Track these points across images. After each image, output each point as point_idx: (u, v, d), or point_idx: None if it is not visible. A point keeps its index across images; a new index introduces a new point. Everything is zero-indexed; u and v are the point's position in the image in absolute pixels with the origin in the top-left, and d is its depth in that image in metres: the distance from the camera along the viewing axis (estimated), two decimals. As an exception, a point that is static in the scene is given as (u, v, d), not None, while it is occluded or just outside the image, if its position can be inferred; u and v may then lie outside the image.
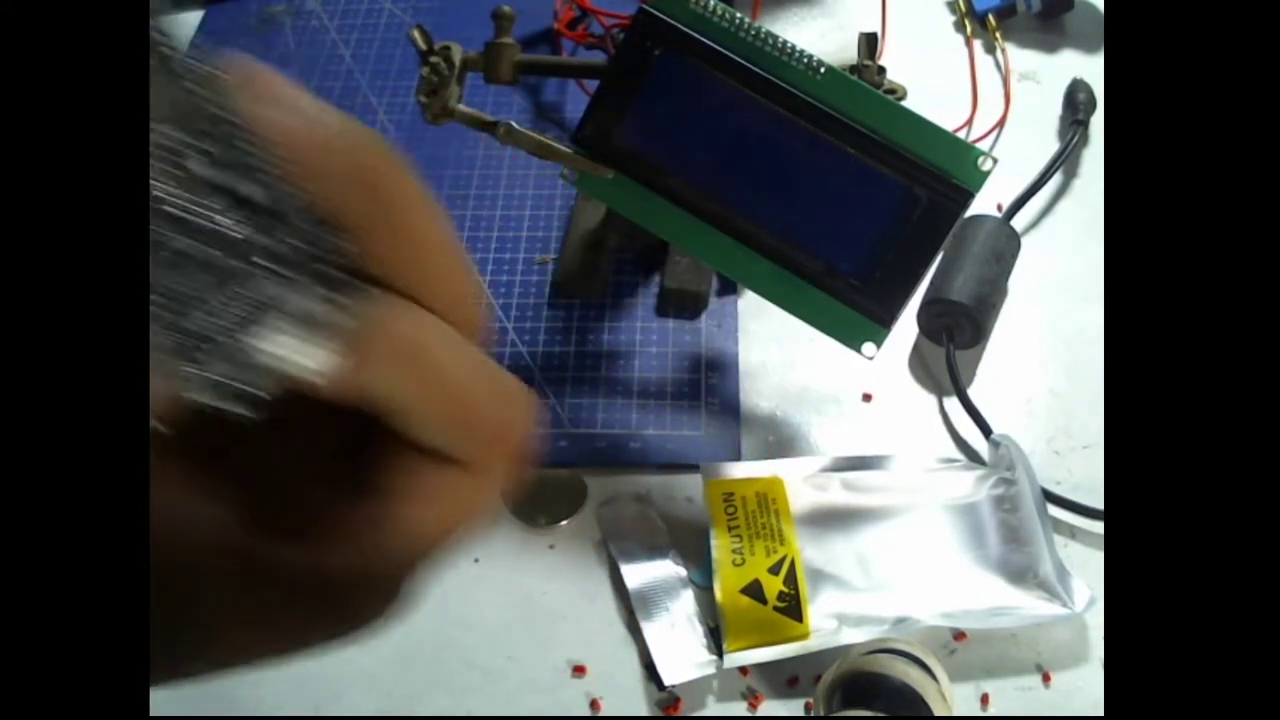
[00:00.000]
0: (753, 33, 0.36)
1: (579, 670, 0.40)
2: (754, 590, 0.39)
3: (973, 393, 0.46)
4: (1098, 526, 0.43)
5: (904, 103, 0.38)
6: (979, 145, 0.42)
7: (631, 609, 0.41)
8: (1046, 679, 0.39)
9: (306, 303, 0.15)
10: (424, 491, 0.18)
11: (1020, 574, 0.40)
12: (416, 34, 0.42)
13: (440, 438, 0.17)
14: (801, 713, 0.39)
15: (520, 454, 0.19)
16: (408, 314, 0.17)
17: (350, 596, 0.18)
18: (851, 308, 0.38)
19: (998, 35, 0.61)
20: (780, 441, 0.46)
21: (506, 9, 0.43)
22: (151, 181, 0.15)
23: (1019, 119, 0.57)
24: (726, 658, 0.38)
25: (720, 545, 0.40)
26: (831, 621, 0.39)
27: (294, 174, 0.15)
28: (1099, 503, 0.43)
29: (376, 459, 0.18)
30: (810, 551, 0.40)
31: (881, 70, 0.42)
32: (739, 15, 0.37)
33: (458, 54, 0.42)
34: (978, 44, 0.61)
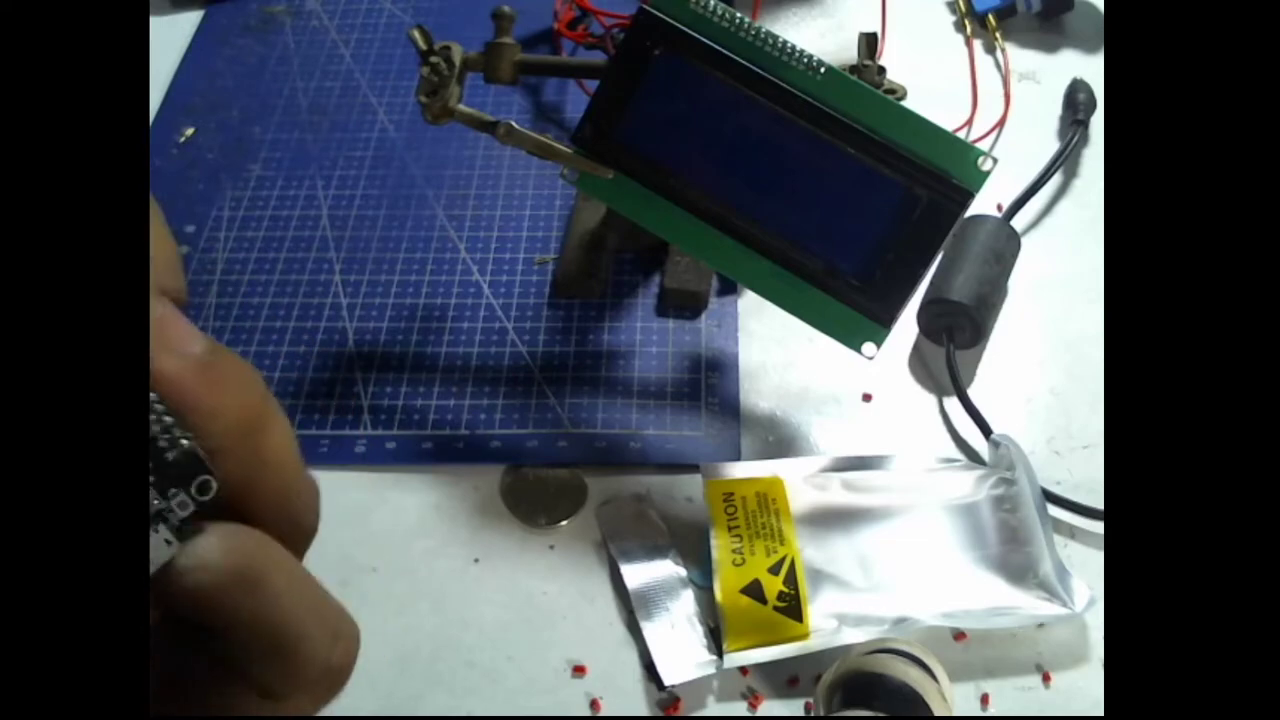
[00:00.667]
0: (753, 33, 0.36)
1: (579, 670, 0.40)
2: (754, 590, 0.39)
3: (973, 393, 0.46)
4: (1098, 526, 0.43)
5: (904, 103, 0.38)
6: (979, 145, 0.42)
7: (631, 609, 0.41)
8: (1046, 679, 0.39)
9: (180, 514, 0.18)
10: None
11: (1020, 574, 0.40)
12: (416, 34, 0.42)
13: (260, 670, 0.19)
14: (801, 713, 0.39)
15: (331, 695, 0.21)
16: (255, 541, 0.19)
17: None
18: (851, 308, 0.38)
19: (998, 35, 0.61)
20: (780, 441, 0.46)
21: (506, 9, 0.43)
22: None
23: (1019, 119, 0.57)
24: (726, 658, 0.38)
25: (720, 545, 0.40)
26: (831, 621, 0.39)
27: (178, 409, 0.18)
28: (1099, 503, 0.43)
29: (193, 678, 0.19)
30: (810, 551, 0.40)
31: (881, 70, 0.42)
32: (739, 15, 0.37)
33: (458, 54, 0.42)
34: (978, 44, 0.61)
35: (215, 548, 0.18)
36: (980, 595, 0.40)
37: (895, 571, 0.40)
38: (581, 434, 0.46)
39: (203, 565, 0.18)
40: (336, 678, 0.21)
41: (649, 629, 0.40)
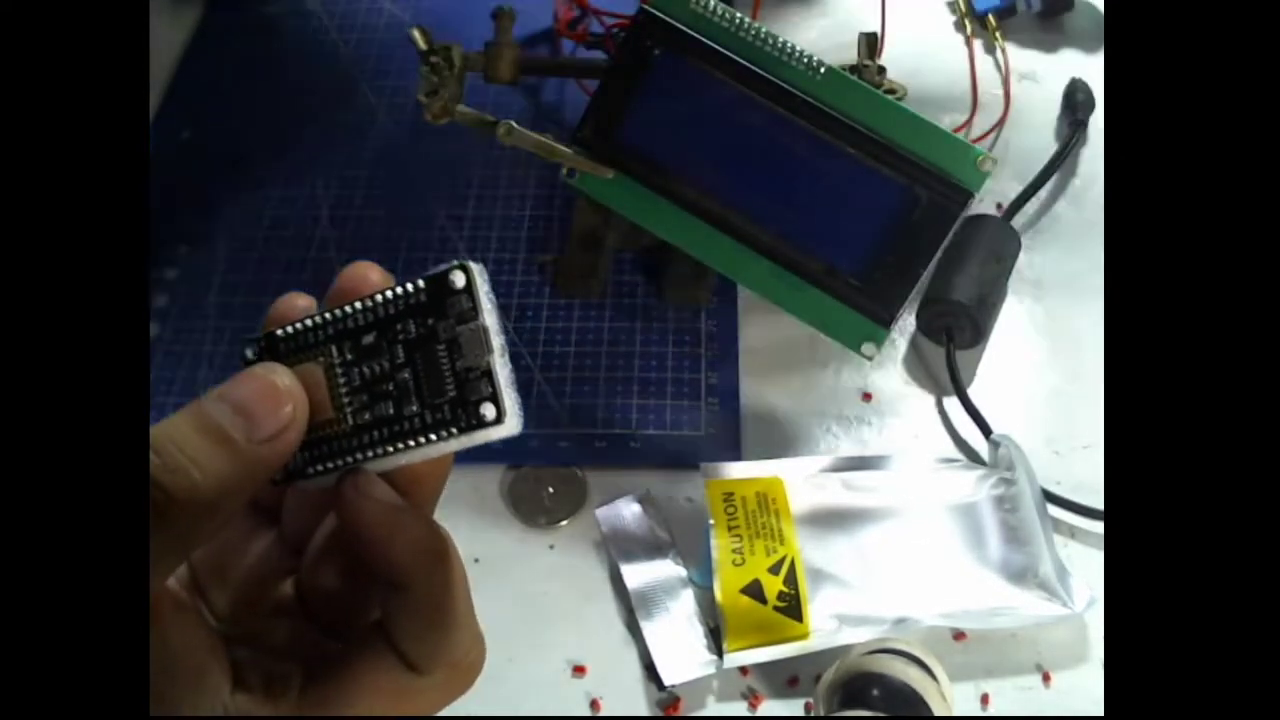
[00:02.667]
0: (753, 33, 0.36)
1: (579, 670, 0.40)
2: (754, 590, 0.39)
3: (973, 393, 0.46)
4: (1098, 526, 0.43)
5: (904, 103, 0.38)
6: (979, 145, 0.41)
7: (631, 609, 0.41)
8: (1046, 679, 0.39)
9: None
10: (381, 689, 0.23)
11: (1020, 574, 0.40)
12: (416, 34, 0.42)
13: (416, 640, 0.23)
14: (801, 713, 0.39)
15: (459, 690, 0.26)
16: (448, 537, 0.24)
17: None
18: (851, 307, 0.38)
19: (998, 35, 0.61)
20: (780, 441, 0.46)
21: (506, 9, 0.44)
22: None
23: (1019, 119, 0.57)
24: (726, 658, 0.38)
25: (720, 545, 0.40)
26: (831, 621, 0.39)
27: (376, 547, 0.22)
28: (1099, 503, 0.43)
29: (356, 652, 0.23)
30: (810, 551, 0.40)
31: (881, 70, 0.42)
32: (739, 15, 0.37)
33: (458, 54, 0.42)
34: (978, 44, 0.61)
35: (423, 518, 0.23)
36: (980, 595, 0.40)
37: (895, 571, 0.40)
38: (581, 434, 0.46)
39: (414, 524, 0.22)
40: (468, 676, 0.25)
41: (649, 629, 0.40)
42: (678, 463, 0.45)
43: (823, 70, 0.36)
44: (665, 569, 0.42)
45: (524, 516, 0.44)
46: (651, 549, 0.42)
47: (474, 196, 0.55)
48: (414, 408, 0.22)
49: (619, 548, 0.42)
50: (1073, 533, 0.43)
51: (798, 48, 0.37)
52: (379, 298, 0.23)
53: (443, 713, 0.39)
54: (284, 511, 0.26)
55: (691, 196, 0.38)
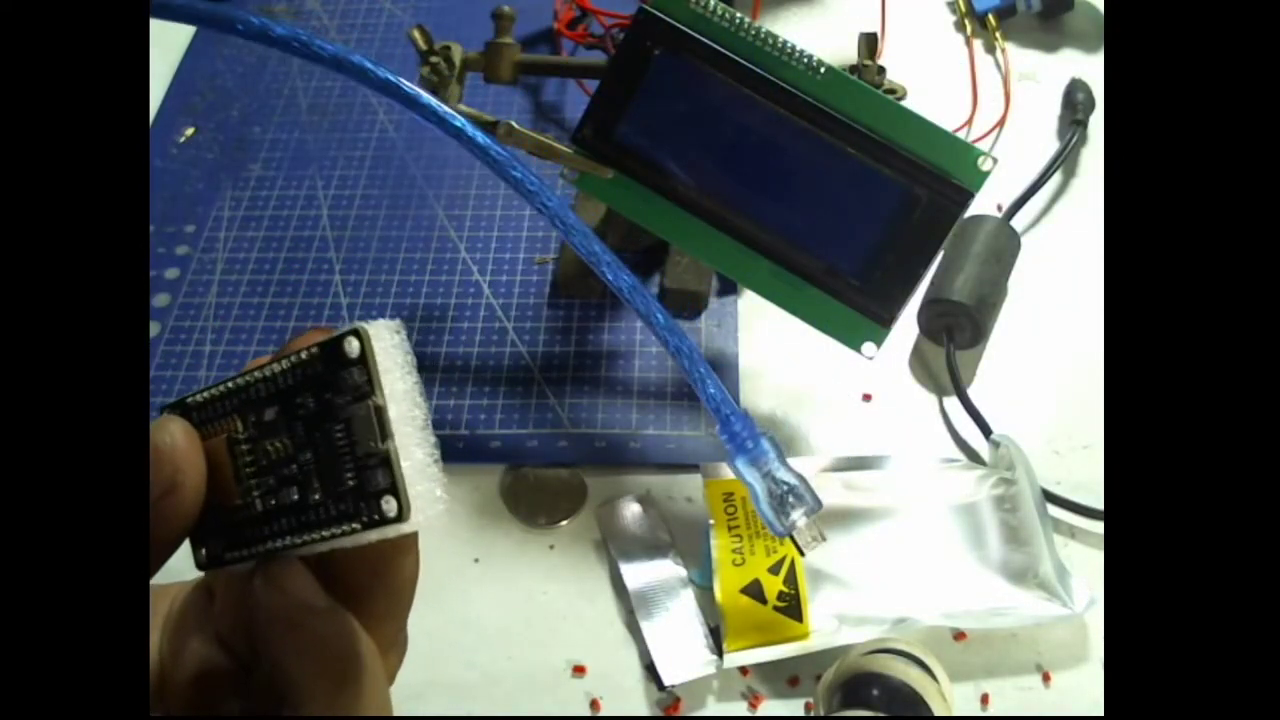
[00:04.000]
0: (753, 33, 0.36)
1: (579, 670, 0.40)
2: (754, 590, 0.39)
3: (973, 393, 0.46)
4: (1098, 526, 0.43)
5: (904, 103, 0.38)
6: (979, 145, 0.41)
7: (631, 609, 0.41)
8: (1046, 679, 0.39)
9: None
10: None
11: (1020, 574, 0.40)
12: (416, 34, 0.42)
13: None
14: (801, 713, 0.39)
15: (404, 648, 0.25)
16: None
17: None
18: (851, 308, 0.38)
19: (998, 35, 0.61)
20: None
21: (506, 9, 0.43)
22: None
23: (1019, 119, 0.57)
24: (726, 658, 0.38)
25: (720, 545, 0.40)
26: (831, 621, 0.39)
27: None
28: (1099, 503, 0.43)
29: None
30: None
31: (881, 70, 0.42)
32: (739, 15, 0.37)
33: (458, 54, 0.42)
34: (978, 44, 0.61)
35: (341, 627, 0.21)
36: (980, 595, 0.40)
37: (895, 571, 0.40)
38: (581, 434, 0.46)
39: (322, 630, 0.20)
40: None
41: (649, 629, 0.40)
42: (678, 463, 0.45)
43: (823, 70, 0.36)
44: (665, 569, 0.42)
45: (524, 516, 0.44)
46: (651, 549, 0.42)
47: (474, 196, 0.55)
48: (316, 496, 0.20)
49: (619, 548, 0.42)
50: (1073, 533, 0.43)
51: (798, 48, 0.37)
52: (277, 366, 0.20)
53: (442, 712, 0.39)
54: (216, 601, 0.23)
55: (691, 196, 0.38)
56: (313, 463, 0.20)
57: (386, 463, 0.19)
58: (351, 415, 0.19)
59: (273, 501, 0.20)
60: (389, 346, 0.19)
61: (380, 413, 0.19)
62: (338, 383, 0.19)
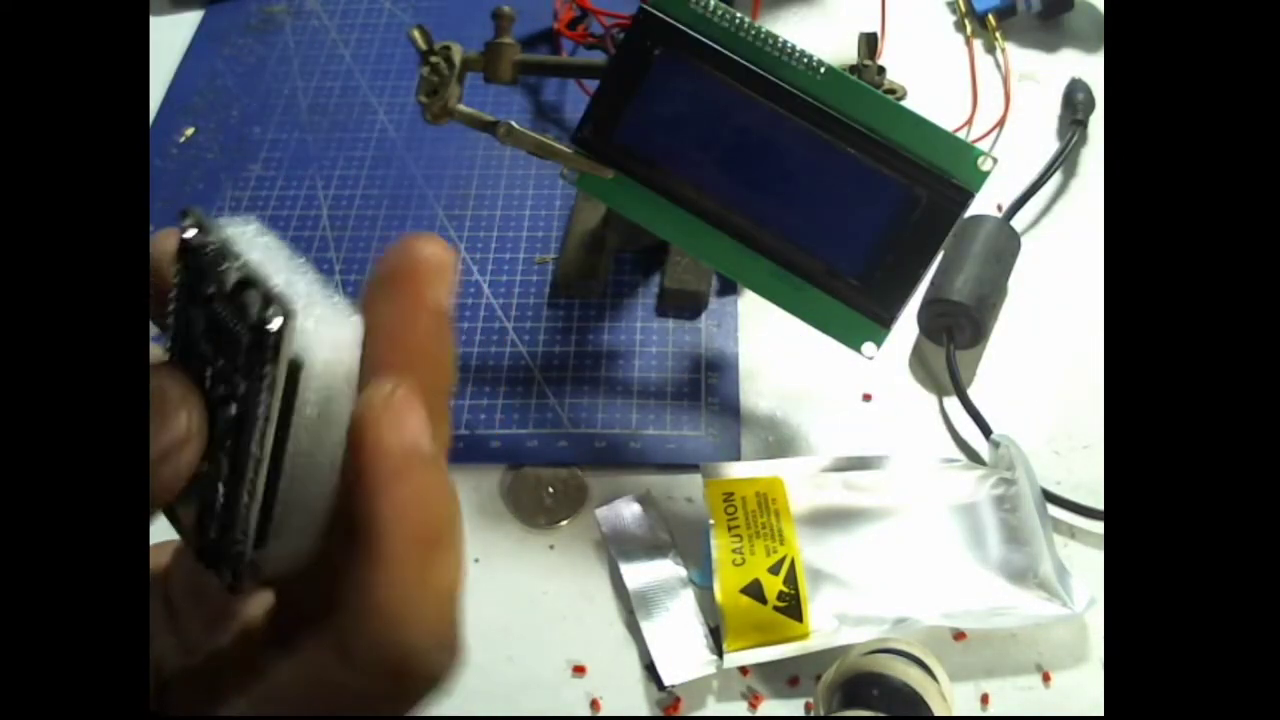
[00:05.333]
0: (753, 33, 0.36)
1: (579, 670, 0.40)
2: (754, 590, 0.39)
3: (973, 393, 0.46)
4: (1098, 526, 0.43)
5: (904, 103, 0.38)
6: (979, 145, 0.41)
7: (631, 609, 0.41)
8: (1046, 679, 0.39)
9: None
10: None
11: (1020, 574, 0.40)
12: (416, 34, 0.42)
13: (362, 630, 0.18)
14: (801, 713, 0.39)
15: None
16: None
17: None
18: (851, 308, 0.38)
19: (998, 35, 0.61)
20: (780, 441, 0.46)
21: (506, 9, 0.43)
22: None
23: (1019, 119, 0.57)
24: (726, 658, 0.38)
25: (720, 545, 0.40)
26: (831, 621, 0.39)
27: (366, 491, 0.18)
28: (1099, 503, 0.43)
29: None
30: (810, 551, 0.40)
31: (881, 70, 0.42)
32: (739, 15, 0.37)
33: (458, 54, 0.42)
34: (978, 44, 0.61)
35: (444, 482, 0.18)
36: (980, 595, 0.40)
37: (895, 571, 0.40)
38: (581, 434, 0.46)
39: (430, 478, 0.18)
40: (415, 687, 0.20)
41: (649, 629, 0.40)
42: (678, 463, 0.45)
43: (823, 70, 0.36)
44: (665, 569, 0.42)
45: (524, 516, 0.44)
46: (651, 549, 0.42)
47: (474, 196, 0.55)
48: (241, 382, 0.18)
49: (619, 548, 0.42)
50: (1073, 533, 0.43)
51: (798, 48, 0.37)
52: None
53: (442, 712, 0.39)
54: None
55: (692, 196, 0.38)
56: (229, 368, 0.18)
57: (255, 286, 0.17)
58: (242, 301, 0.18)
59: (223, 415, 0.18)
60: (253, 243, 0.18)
61: (246, 268, 0.18)
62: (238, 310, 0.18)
